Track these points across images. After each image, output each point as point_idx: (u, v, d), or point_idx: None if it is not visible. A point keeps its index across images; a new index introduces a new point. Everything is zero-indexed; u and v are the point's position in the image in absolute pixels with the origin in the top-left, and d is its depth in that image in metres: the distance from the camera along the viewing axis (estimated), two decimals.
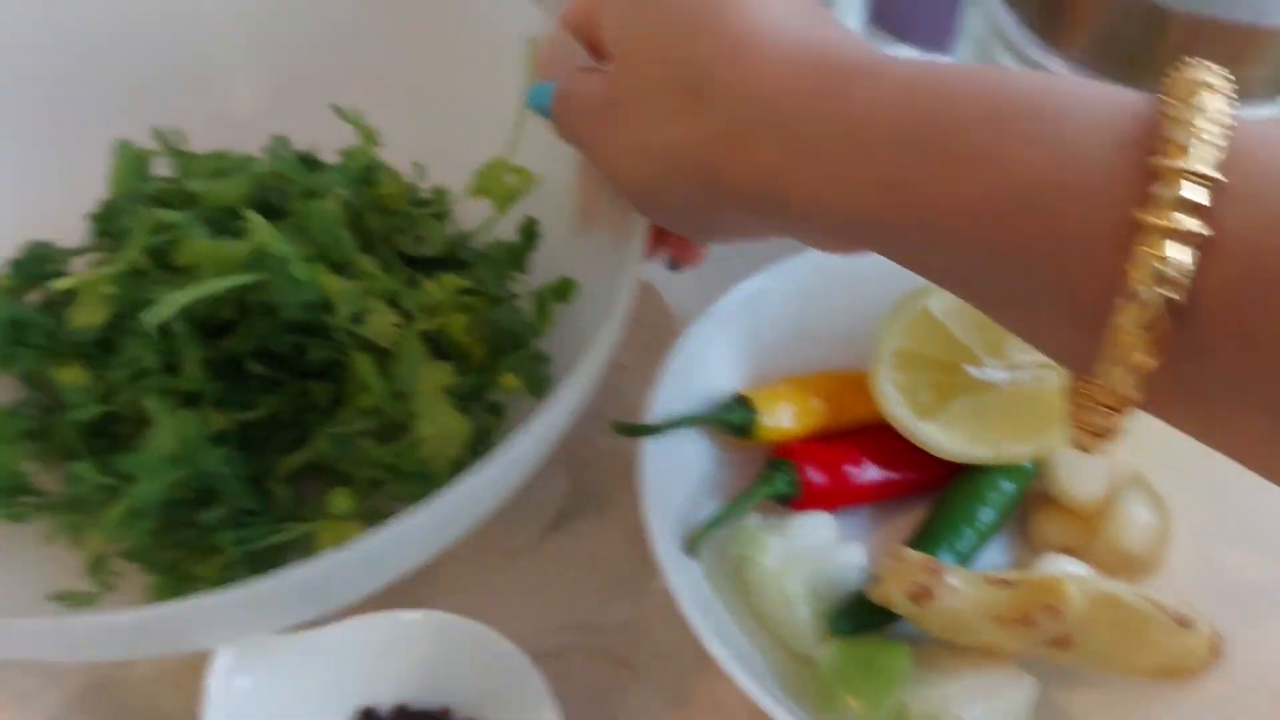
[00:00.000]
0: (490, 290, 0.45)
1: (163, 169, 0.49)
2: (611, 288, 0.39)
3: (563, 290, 0.45)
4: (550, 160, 0.47)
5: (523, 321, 0.44)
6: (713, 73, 0.33)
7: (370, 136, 0.43)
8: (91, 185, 0.50)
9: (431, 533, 0.37)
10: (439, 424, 0.42)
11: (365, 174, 0.44)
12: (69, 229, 0.50)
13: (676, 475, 0.48)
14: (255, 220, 0.39)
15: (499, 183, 0.48)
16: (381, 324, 0.42)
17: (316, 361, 0.45)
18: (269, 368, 0.44)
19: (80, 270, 0.48)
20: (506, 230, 0.49)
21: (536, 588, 0.48)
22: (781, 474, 0.49)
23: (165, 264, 0.43)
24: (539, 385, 0.43)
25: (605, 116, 0.36)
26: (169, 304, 0.38)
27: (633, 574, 0.48)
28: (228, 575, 0.40)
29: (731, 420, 0.50)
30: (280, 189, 0.45)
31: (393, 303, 0.43)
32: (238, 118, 0.51)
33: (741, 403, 0.50)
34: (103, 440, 0.44)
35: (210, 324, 0.43)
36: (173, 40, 0.52)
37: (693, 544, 0.46)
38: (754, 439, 0.50)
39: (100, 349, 0.45)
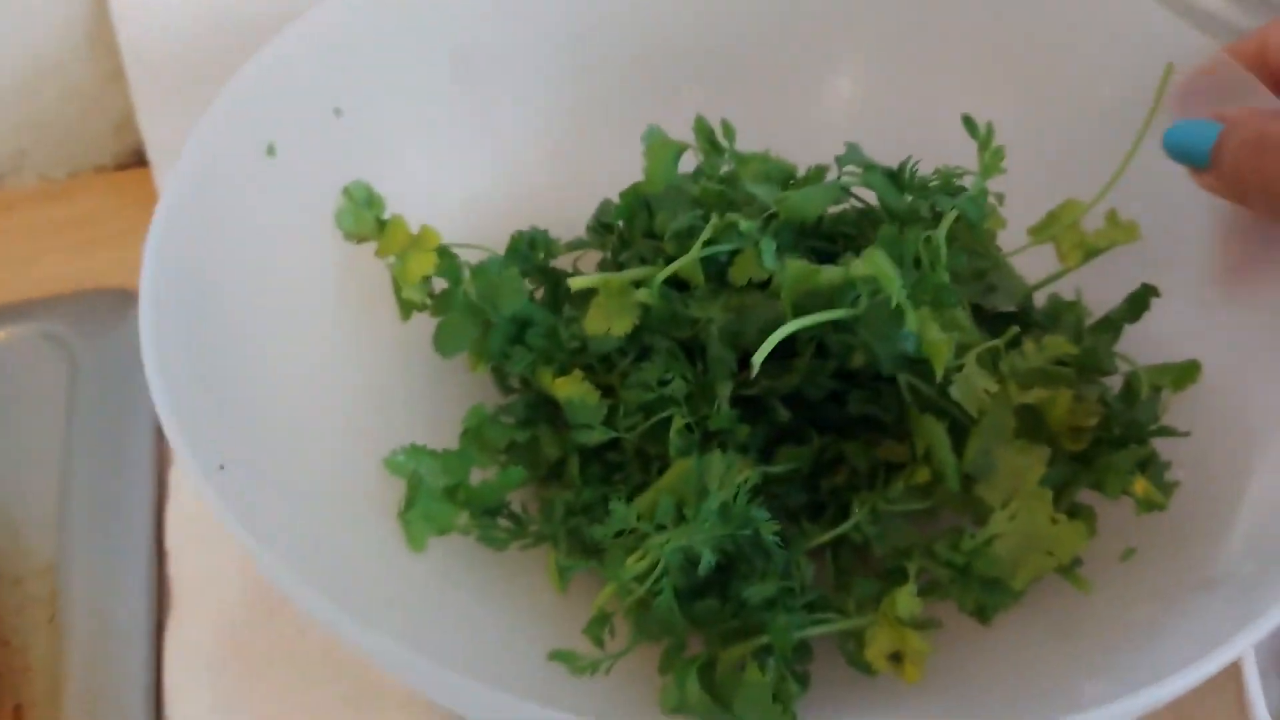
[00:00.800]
0: (1102, 363, 0.36)
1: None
2: None
3: (1184, 376, 0.36)
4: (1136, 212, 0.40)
5: (1146, 410, 0.35)
6: None
7: (997, 158, 0.35)
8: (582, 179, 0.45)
9: None
10: (1025, 523, 0.34)
11: (981, 205, 0.36)
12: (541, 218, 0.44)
13: None
14: (875, 253, 0.31)
15: (1073, 229, 0.39)
16: (973, 388, 0.34)
17: (854, 417, 0.37)
18: (794, 415, 0.37)
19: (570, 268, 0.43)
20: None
21: None
22: None
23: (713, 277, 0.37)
24: (1162, 499, 0.34)
25: None
26: (772, 340, 0.31)
27: None
28: (757, 666, 0.32)
29: None
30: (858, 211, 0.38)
31: (988, 364, 0.34)
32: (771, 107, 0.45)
33: None
34: (595, 468, 0.38)
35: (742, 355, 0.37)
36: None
37: None
38: None
39: (603, 363, 0.39)
